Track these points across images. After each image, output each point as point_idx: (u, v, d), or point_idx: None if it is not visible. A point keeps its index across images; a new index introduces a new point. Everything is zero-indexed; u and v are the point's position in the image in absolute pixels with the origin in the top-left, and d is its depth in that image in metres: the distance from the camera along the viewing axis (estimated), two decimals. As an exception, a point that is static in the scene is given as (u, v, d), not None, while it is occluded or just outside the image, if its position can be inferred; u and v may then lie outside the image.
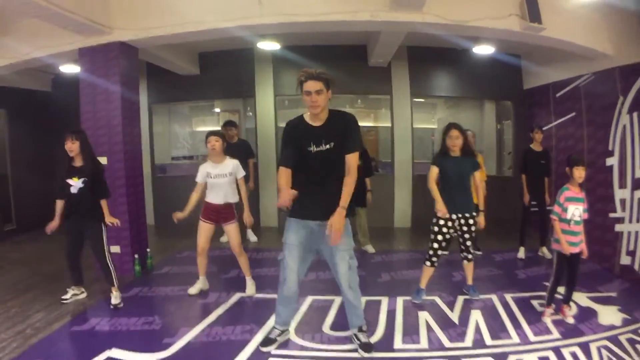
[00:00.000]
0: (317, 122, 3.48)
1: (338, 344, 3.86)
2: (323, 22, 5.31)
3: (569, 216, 4.16)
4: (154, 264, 6.12)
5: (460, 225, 4.71)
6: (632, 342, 3.92)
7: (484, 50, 7.71)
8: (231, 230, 4.92)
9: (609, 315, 4.49)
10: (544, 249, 6.64)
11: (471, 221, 4.71)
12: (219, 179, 4.79)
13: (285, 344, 3.86)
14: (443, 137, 4.73)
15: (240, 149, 6.98)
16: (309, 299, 4.84)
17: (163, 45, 6.45)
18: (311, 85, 3.31)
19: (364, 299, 4.58)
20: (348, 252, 3.60)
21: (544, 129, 7.07)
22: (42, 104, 9.08)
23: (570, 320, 4.31)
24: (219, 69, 8.71)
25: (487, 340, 3.98)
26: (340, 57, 8.24)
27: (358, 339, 3.74)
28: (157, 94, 8.98)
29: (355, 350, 3.71)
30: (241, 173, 4.88)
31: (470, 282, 5.00)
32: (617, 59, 5.99)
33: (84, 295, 4.96)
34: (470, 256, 4.87)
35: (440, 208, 4.59)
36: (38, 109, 9.00)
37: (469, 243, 4.79)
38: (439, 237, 4.68)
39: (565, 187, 4.26)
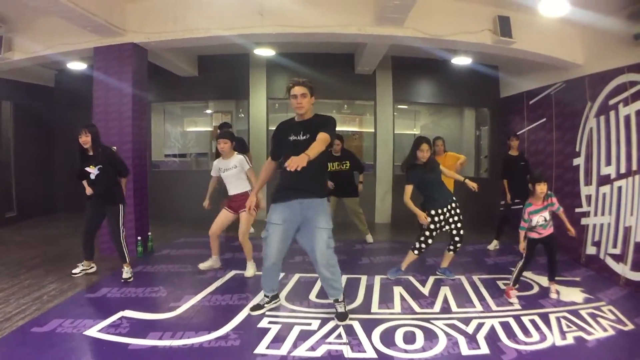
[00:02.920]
0: (301, 119, 4.04)
1: (322, 308, 4.44)
2: (316, 33, 5.94)
3: (533, 224, 4.74)
4: (153, 247, 6.61)
5: (449, 216, 5.29)
6: (593, 315, 4.38)
7: (461, 61, 8.29)
8: (243, 217, 5.41)
9: (571, 294, 5.00)
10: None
11: (458, 210, 5.32)
12: (227, 172, 5.39)
13: (277, 308, 4.43)
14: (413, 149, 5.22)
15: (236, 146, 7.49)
16: (297, 276, 5.43)
17: (168, 48, 6.96)
18: (297, 90, 3.91)
19: (345, 277, 5.21)
20: (327, 230, 3.96)
21: (518, 134, 7.70)
22: (45, 99, 9.48)
23: (554, 296, 4.85)
24: (216, 72, 9.25)
25: (454, 308, 4.58)
26: (329, 65, 8.86)
27: (335, 309, 4.20)
28: (156, 93, 9.36)
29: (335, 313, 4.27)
30: (246, 166, 5.39)
31: (445, 265, 5.60)
32: (587, 67, 6.48)
33: (93, 269, 5.43)
34: (452, 247, 5.42)
35: (422, 218, 5.17)
36: (41, 103, 9.39)
37: (462, 232, 5.33)
38: (431, 227, 5.23)
39: (528, 203, 4.79)
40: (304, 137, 3.90)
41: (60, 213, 9.64)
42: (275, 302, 4.45)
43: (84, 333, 3.74)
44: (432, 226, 5.23)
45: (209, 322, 4.07)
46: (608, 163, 5.94)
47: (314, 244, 3.96)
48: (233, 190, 5.46)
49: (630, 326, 4.18)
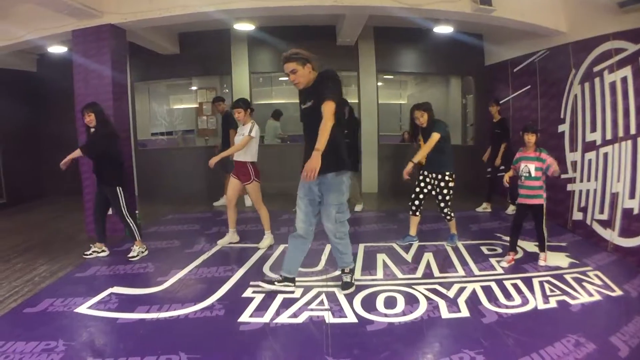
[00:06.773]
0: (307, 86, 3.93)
1: (306, 277, 4.57)
2: (293, 6, 5.91)
3: (519, 172, 4.83)
4: (141, 225, 6.64)
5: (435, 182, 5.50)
6: (578, 280, 4.40)
7: (443, 30, 8.24)
8: (249, 189, 5.49)
9: (556, 259, 5.04)
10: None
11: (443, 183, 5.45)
12: (239, 137, 5.43)
13: (262, 276, 4.54)
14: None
15: (228, 120, 7.45)
16: (281, 247, 5.51)
17: (146, 27, 6.89)
18: (285, 68, 3.83)
19: (329, 246, 5.31)
20: (335, 206, 3.93)
21: (502, 101, 7.78)
22: (28, 84, 9.40)
23: (542, 263, 4.88)
24: (197, 48, 9.17)
25: (436, 273, 4.70)
26: (310, 37, 8.76)
27: (341, 279, 4.27)
28: (139, 72, 9.39)
29: (318, 281, 4.48)
30: (247, 131, 5.36)
31: (453, 231, 5.69)
32: (571, 35, 6.43)
33: (105, 253, 5.39)
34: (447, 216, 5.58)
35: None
36: (24, 88, 9.32)
37: (442, 204, 5.50)
38: (416, 189, 5.56)
39: (520, 149, 4.95)
40: (308, 104, 3.86)
41: (50, 197, 9.66)
42: (287, 286, 4.17)
43: (74, 310, 3.84)
44: (416, 189, 5.53)
45: (195, 294, 4.19)
46: (593, 129, 5.95)
47: (324, 219, 4.01)
48: (237, 156, 5.46)
49: (618, 292, 4.19)
